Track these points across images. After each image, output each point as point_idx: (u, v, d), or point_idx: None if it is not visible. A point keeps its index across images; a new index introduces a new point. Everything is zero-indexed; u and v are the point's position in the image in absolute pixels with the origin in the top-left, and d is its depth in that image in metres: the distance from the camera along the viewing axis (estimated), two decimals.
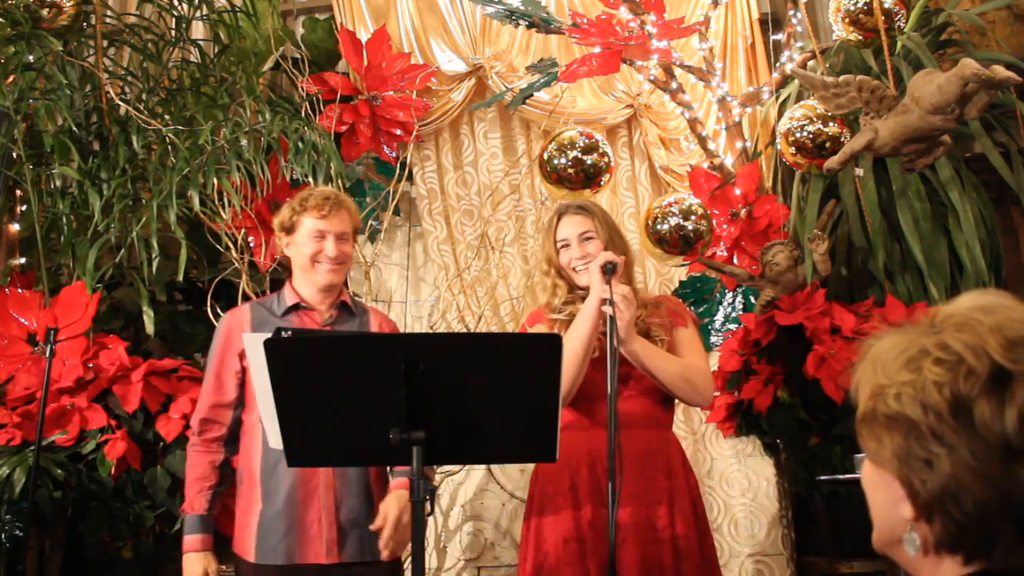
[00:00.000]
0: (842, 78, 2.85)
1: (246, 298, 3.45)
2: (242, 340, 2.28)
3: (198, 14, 3.79)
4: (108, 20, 3.72)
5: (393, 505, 2.22)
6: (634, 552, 2.06)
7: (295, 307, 2.36)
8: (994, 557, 0.77)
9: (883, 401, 0.82)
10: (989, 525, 0.76)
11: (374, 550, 2.23)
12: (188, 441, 2.34)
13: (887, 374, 0.83)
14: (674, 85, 3.69)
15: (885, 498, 0.84)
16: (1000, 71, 2.54)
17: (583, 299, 2.22)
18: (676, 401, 2.28)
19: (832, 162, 2.95)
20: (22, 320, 3.15)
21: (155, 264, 3.21)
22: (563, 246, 2.27)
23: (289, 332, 1.81)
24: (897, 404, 0.80)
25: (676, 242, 3.42)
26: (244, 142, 3.22)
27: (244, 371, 2.30)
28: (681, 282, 3.77)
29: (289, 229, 2.37)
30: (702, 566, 2.12)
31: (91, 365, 3.07)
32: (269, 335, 1.71)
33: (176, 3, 3.78)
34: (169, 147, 3.31)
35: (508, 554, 3.64)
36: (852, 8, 3.29)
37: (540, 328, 2.28)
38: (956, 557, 0.80)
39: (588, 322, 2.12)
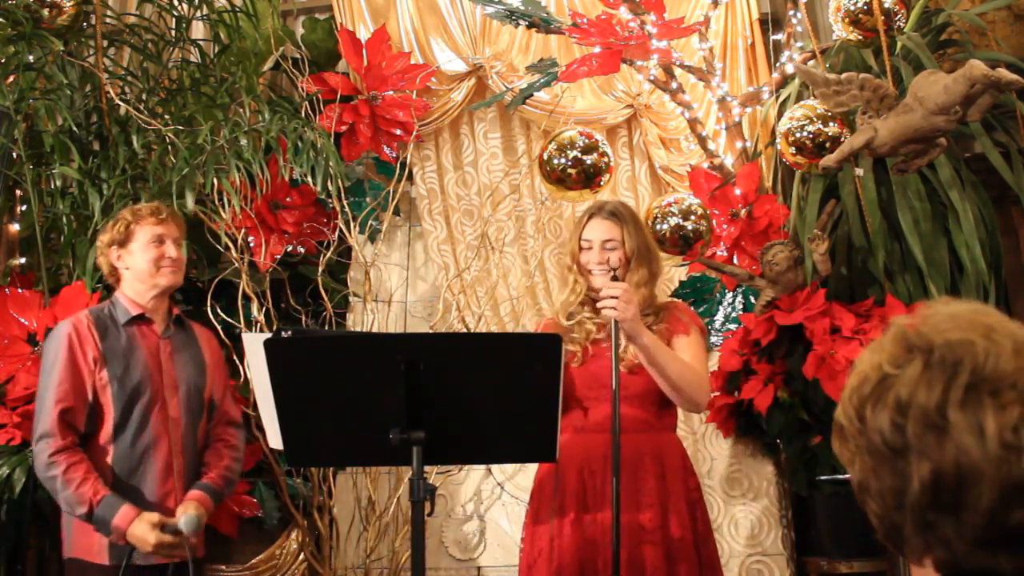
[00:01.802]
0: (844, 75, 2.85)
1: (246, 298, 3.45)
2: (90, 346, 2.36)
3: (198, 14, 3.79)
4: (108, 20, 3.71)
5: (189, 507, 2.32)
6: (621, 553, 2.07)
7: (138, 318, 2.46)
8: (907, 549, 0.83)
9: (838, 410, 0.90)
10: (895, 517, 0.83)
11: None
12: (43, 461, 2.27)
13: (845, 390, 0.91)
14: (674, 85, 3.69)
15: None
16: (1006, 74, 2.55)
17: (593, 301, 2.23)
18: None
19: (829, 160, 2.94)
20: (22, 320, 3.15)
21: None
22: (586, 247, 2.28)
23: (289, 331, 1.81)
24: (839, 412, 0.89)
25: (676, 242, 3.42)
26: (244, 142, 3.22)
27: (94, 376, 2.35)
28: (681, 282, 3.77)
29: (123, 241, 2.46)
30: (699, 568, 2.12)
31: None
32: (268, 335, 1.71)
33: (176, 3, 3.78)
34: (169, 147, 3.31)
35: (508, 554, 3.64)
36: (852, 8, 3.29)
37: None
38: (924, 558, 0.84)
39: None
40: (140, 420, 2.36)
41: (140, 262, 2.44)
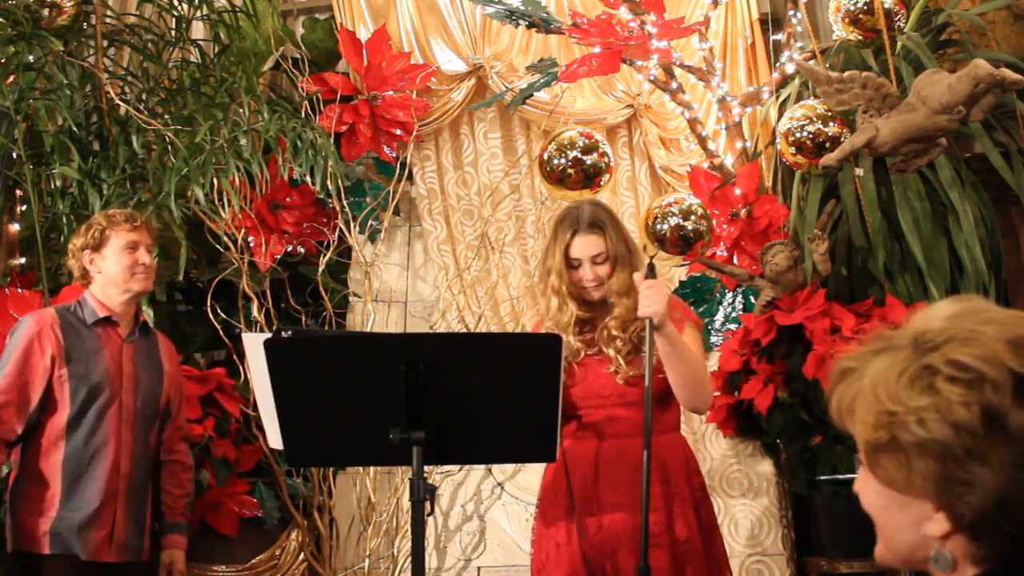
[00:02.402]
0: (847, 74, 2.85)
1: (246, 298, 3.46)
2: (51, 343, 2.39)
3: (198, 14, 3.79)
4: (108, 20, 3.71)
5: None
6: (628, 558, 2.08)
7: (104, 320, 2.50)
8: None
9: (904, 429, 0.80)
10: None
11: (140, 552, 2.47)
12: None
13: (895, 399, 0.81)
14: (674, 85, 3.69)
15: (904, 519, 0.83)
16: (1010, 74, 2.56)
17: (589, 315, 2.21)
18: (672, 403, 2.27)
19: (829, 159, 2.94)
20: None
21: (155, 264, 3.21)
22: (575, 266, 2.21)
23: (289, 332, 1.81)
24: (922, 430, 0.78)
25: (676, 242, 3.42)
26: (243, 142, 3.22)
27: (51, 372, 2.38)
28: (681, 282, 3.77)
29: (97, 246, 2.51)
30: (707, 568, 2.12)
31: None
32: (268, 335, 1.71)
33: (176, 3, 3.78)
34: (169, 147, 3.31)
35: (508, 554, 3.64)
36: (852, 8, 3.29)
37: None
38: (987, 567, 0.79)
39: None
40: (95, 419, 2.40)
41: (113, 267, 2.49)
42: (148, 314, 3.22)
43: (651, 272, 2.08)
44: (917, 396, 0.79)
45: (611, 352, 2.17)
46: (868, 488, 0.87)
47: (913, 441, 0.79)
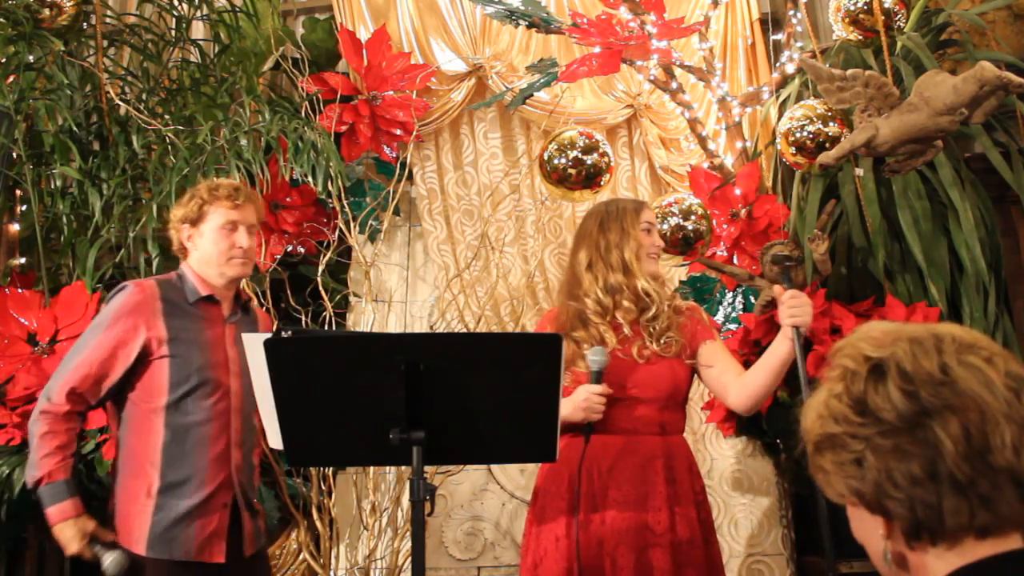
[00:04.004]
0: (849, 72, 2.85)
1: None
2: (148, 315, 2.19)
3: (198, 14, 3.80)
4: (108, 20, 3.72)
5: None
6: (628, 556, 2.08)
7: (207, 299, 2.30)
8: (947, 524, 0.85)
9: (811, 434, 0.95)
10: (928, 494, 0.85)
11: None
12: (38, 409, 2.15)
13: (810, 415, 0.96)
14: (674, 85, 3.69)
15: (867, 532, 0.93)
16: (1015, 77, 2.58)
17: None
18: (683, 406, 2.31)
19: (828, 157, 2.93)
20: (22, 320, 3.15)
21: (155, 264, 3.22)
22: (646, 230, 2.33)
23: (290, 332, 1.80)
24: (820, 429, 0.93)
25: (676, 242, 3.42)
26: (244, 142, 3.22)
27: (146, 352, 2.18)
28: (681, 282, 3.77)
29: (196, 220, 2.30)
30: (706, 570, 2.13)
31: None
32: (268, 335, 1.71)
33: (176, 3, 3.79)
34: (169, 147, 3.31)
35: (508, 554, 3.64)
36: (852, 8, 3.29)
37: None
38: (927, 547, 0.87)
39: (570, 421, 2.12)
40: (198, 405, 2.21)
41: (209, 248, 2.28)
42: None
43: (788, 279, 2.15)
44: (818, 404, 0.94)
45: (643, 331, 2.22)
46: (849, 516, 0.98)
47: (816, 441, 0.94)
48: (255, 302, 2.49)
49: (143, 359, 2.21)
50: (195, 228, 2.31)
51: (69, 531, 2.08)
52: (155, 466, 2.18)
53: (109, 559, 2.05)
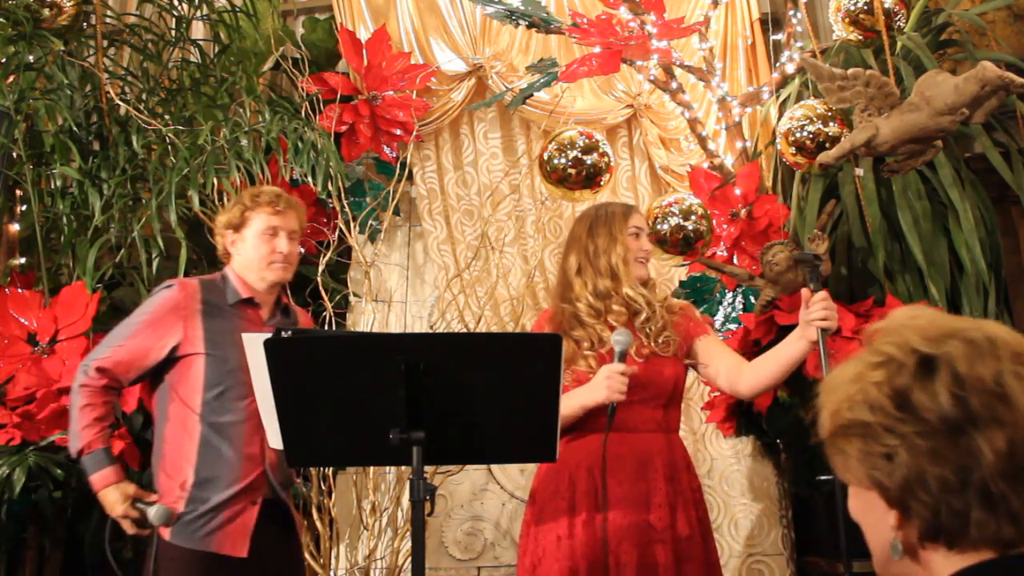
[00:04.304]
0: (851, 71, 2.85)
1: None
2: (186, 314, 2.26)
3: (198, 14, 3.80)
4: (108, 20, 3.72)
5: None
6: (631, 552, 2.08)
7: (247, 301, 2.36)
8: (970, 534, 0.82)
9: (839, 416, 0.89)
10: (956, 501, 0.82)
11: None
12: (78, 382, 2.24)
13: (838, 394, 0.90)
14: (674, 85, 3.69)
15: (875, 519, 0.90)
16: (1017, 78, 2.58)
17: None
18: (680, 404, 2.31)
19: (828, 156, 2.93)
20: (22, 320, 3.15)
21: (155, 264, 3.22)
22: (634, 234, 2.34)
23: (289, 332, 1.81)
24: (850, 413, 0.88)
25: (676, 242, 3.42)
26: (244, 142, 3.22)
27: (177, 351, 2.25)
28: (681, 282, 3.77)
29: (238, 226, 2.37)
30: (704, 568, 2.14)
31: None
32: (268, 335, 1.71)
33: (176, 3, 3.79)
34: (169, 147, 3.31)
35: (508, 554, 3.64)
36: (852, 8, 3.29)
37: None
38: (939, 548, 0.85)
39: (592, 405, 2.13)
40: (233, 405, 2.25)
41: (251, 253, 2.35)
42: None
43: (815, 279, 2.16)
44: (851, 387, 0.89)
45: (638, 332, 2.23)
46: (851, 495, 0.95)
47: (843, 424, 0.89)
48: (292, 303, 2.52)
49: (179, 356, 2.27)
50: (238, 233, 2.38)
51: (113, 495, 2.16)
52: (191, 463, 2.23)
53: (153, 511, 2.12)
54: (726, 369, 2.29)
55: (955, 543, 0.83)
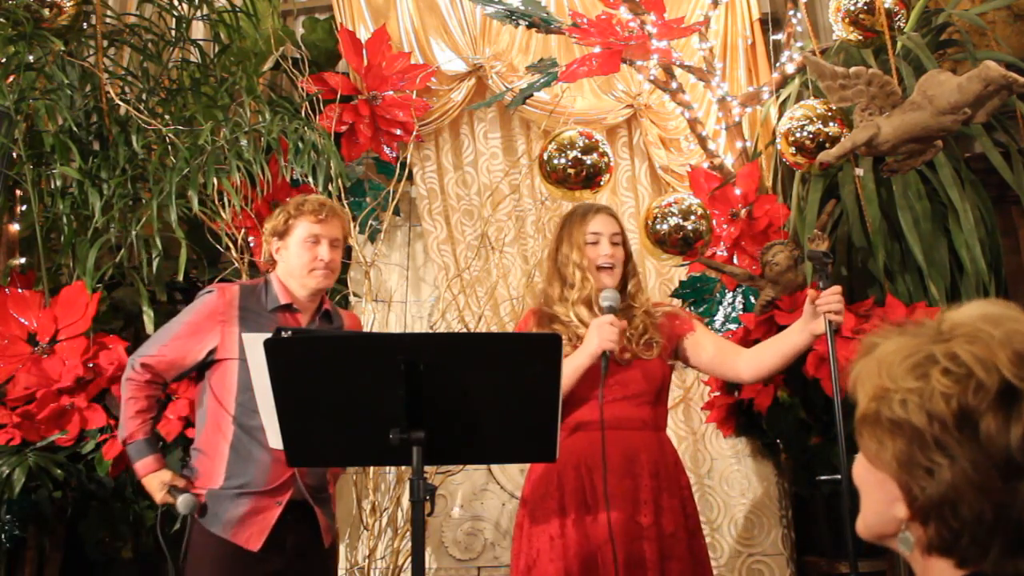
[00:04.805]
0: (853, 70, 2.85)
1: None
2: (224, 320, 2.33)
3: (198, 14, 3.80)
4: (108, 20, 3.71)
5: None
6: (619, 549, 2.08)
7: (286, 307, 2.41)
8: (985, 565, 0.78)
9: (887, 405, 0.82)
10: (983, 535, 0.77)
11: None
12: (125, 376, 2.37)
13: (892, 377, 0.83)
14: (674, 85, 3.69)
15: (879, 496, 0.85)
16: (1020, 78, 2.57)
17: (589, 301, 2.24)
18: (668, 401, 2.33)
19: (829, 155, 2.93)
20: (22, 320, 3.15)
21: (155, 264, 3.22)
22: (592, 242, 2.31)
23: (289, 332, 1.81)
24: (902, 410, 0.81)
25: (676, 242, 3.42)
26: (244, 142, 3.22)
27: (215, 354, 2.33)
28: (681, 282, 3.77)
29: (283, 234, 2.43)
30: (690, 564, 2.14)
31: (91, 365, 3.07)
32: (268, 335, 1.71)
33: (176, 3, 3.78)
34: (169, 147, 3.31)
35: (508, 554, 3.63)
36: (852, 8, 3.29)
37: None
38: (948, 560, 0.81)
39: (587, 361, 2.16)
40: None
41: (294, 260, 2.40)
42: (148, 314, 3.22)
43: (824, 277, 2.17)
44: (910, 379, 0.81)
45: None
46: (859, 462, 0.89)
47: (891, 418, 0.81)
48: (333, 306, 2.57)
49: (216, 359, 2.35)
50: (282, 241, 2.43)
51: (153, 482, 2.30)
52: (223, 460, 2.31)
53: (180, 499, 2.24)
54: (723, 352, 2.32)
55: (966, 565, 0.80)
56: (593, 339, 2.13)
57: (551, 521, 2.17)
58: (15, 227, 3.46)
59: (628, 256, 2.37)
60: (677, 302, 3.69)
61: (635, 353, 2.25)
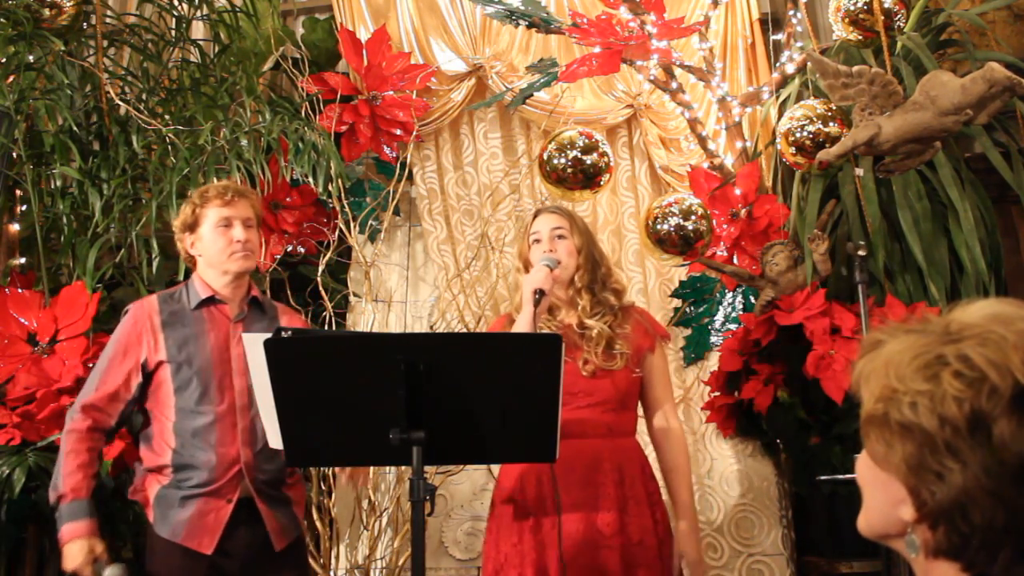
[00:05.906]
0: (855, 68, 2.85)
1: None
2: (146, 329, 2.30)
3: (198, 14, 3.80)
4: (108, 20, 3.71)
5: None
6: (579, 558, 2.10)
7: (208, 300, 2.36)
8: (993, 570, 0.77)
9: (896, 407, 0.81)
10: (994, 541, 0.76)
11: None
12: (66, 427, 2.27)
13: (900, 378, 0.81)
14: (674, 85, 3.69)
15: (884, 498, 0.84)
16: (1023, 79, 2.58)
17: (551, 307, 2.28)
18: (635, 408, 2.33)
19: (829, 154, 2.93)
20: (22, 320, 3.15)
21: (155, 264, 3.22)
22: (535, 241, 2.32)
23: (289, 332, 1.81)
24: (912, 413, 0.79)
25: (676, 242, 3.42)
26: (244, 142, 3.22)
27: (147, 367, 2.29)
28: (681, 282, 3.77)
29: (193, 226, 2.37)
30: (660, 571, 2.13)
31: (91, 365, 3.07)
32: (268, 335, 1.71)
33: (176, 3, 3.78)
34: (169, 147, 3.31)
35: None
36: (852, 8, 3.29)
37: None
38: (954, 564, 0.80)
39: (527, 308, 2.17)
40: (203, 408, 2.27)
41: (210, 248, 2.34)
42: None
43: (863, 270, 2.28)
44: (920, 380, 0.79)
45: (584, 344, 2.22)
46: (862, 460, 0.88)
47: (901, 421, 0.79)
48: (268, 295, 2.53)
49: (151, 373, 2.31)
50: (195, 233, 2.38)
51: (76, 548, 2.15)
52: (168, 465, 2.28)
53: (109, 571, 2.10)
54: (648, 399, 2.32)
55: (973, 569, 0.79)
56: (526, 286, 2.15)
57: (513, 527, 2.18)
58: (15, 227, 3.46)
59: (585, 251, 2.30)
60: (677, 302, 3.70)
61: (597, 365, 2.22)
